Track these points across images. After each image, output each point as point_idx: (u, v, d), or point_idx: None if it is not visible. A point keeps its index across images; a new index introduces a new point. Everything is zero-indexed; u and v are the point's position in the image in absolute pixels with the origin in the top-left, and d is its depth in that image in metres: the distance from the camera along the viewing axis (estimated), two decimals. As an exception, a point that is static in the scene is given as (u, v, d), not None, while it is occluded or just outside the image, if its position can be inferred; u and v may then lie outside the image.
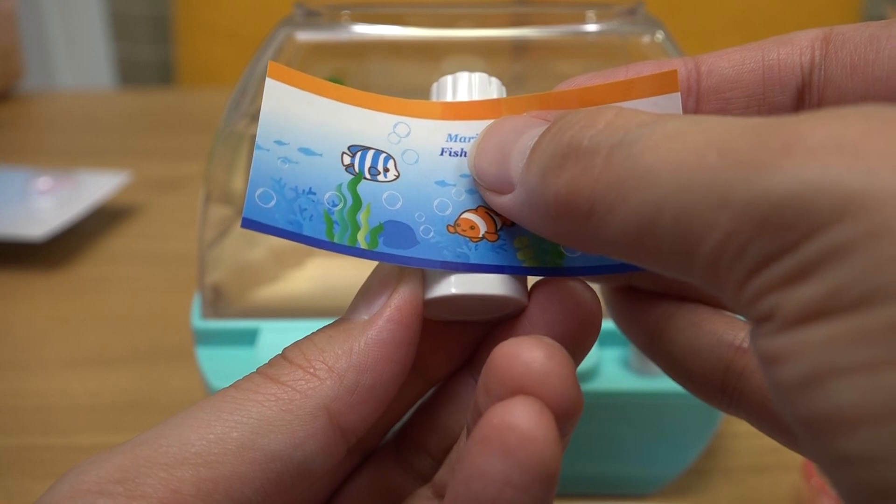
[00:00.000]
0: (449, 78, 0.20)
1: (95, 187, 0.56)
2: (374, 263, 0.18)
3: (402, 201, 0.18)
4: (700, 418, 0.32)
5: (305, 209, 0.17)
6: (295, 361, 0.17)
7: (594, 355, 0.31)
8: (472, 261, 0.17)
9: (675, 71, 0.17)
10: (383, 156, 0.18)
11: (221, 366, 0.31)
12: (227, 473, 0.15)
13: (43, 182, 0.55)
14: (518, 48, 0.38)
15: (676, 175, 0.12)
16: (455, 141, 0.19)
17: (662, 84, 0.17)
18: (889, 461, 0.10)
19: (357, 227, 0.17)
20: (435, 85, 0.20)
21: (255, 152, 0.17)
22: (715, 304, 0.19)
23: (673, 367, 0.19)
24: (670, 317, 0.19)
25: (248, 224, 0.16)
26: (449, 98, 0.20)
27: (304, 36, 0.34)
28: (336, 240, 0.17)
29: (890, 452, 0.10)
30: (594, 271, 0.18)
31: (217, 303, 0.33)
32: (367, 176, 0.18)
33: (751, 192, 0.11)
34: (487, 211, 0.18)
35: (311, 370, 0.16)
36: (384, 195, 0.18)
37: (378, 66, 0.38)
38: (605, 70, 0.19)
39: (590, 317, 0.17)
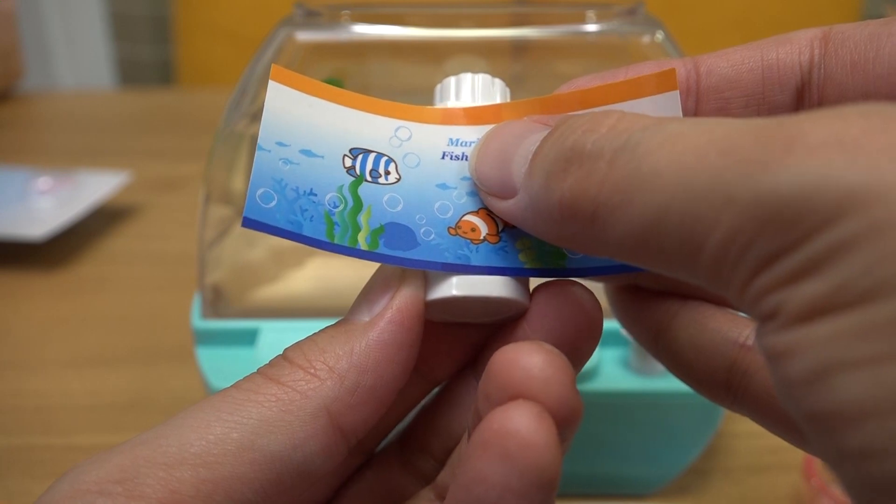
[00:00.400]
0: (452, 79, 0.20)
1: (95, 187, 0.56)
2: (374, 264, 0.18)
3: (402, 204, 0.18)
4: (700, 418, 0.32)
5: (306, 210, 0.17)
6: (296, 362, 0.17)
7: (594, 355, 0.31)
8: (474, 263, 0.17)
9: (674, 70, 0.17)
10: (384, 159, 0.18)
11: (221, 366, 0.31)
12: (226, 474, 0.15)
13: (43, 182, 0.55)
14: (518, 48, 0.38)
15: (680, 176, 0.12)
16: (456, 145, 0.19)
17: (661, 83, 0.17)
18: (895, 454, 0.10)
19: (358, 229, 0.17)
20: (438, 86, 0.20)
21: (257, 153, 0.17)
22: (719, 301, 0.19)
23: (677, 365, 0.19)
24: (674, 315, 0.19)
25: (249, 224, 0.16)
26: (452, 99, 0.20)
27: (304, 36, 0.34)
28: (337, 241, 0.17)
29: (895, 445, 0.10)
30: (596, 272, 0.18)
31: (217, 303, 0.33)
32: (369, 178, 0.18)
33: (754, 191, 0.11)
34: (489, 213, 0.18)
35: (312, 371, 0.16)
36: (385, 197, 0.18)
37: (378, 67, 0.38)
38: (604, 72, 0.19)
39: (591, 322, 0.17)
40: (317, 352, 0.17)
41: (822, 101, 0.18)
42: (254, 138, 0.17)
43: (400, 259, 0.17)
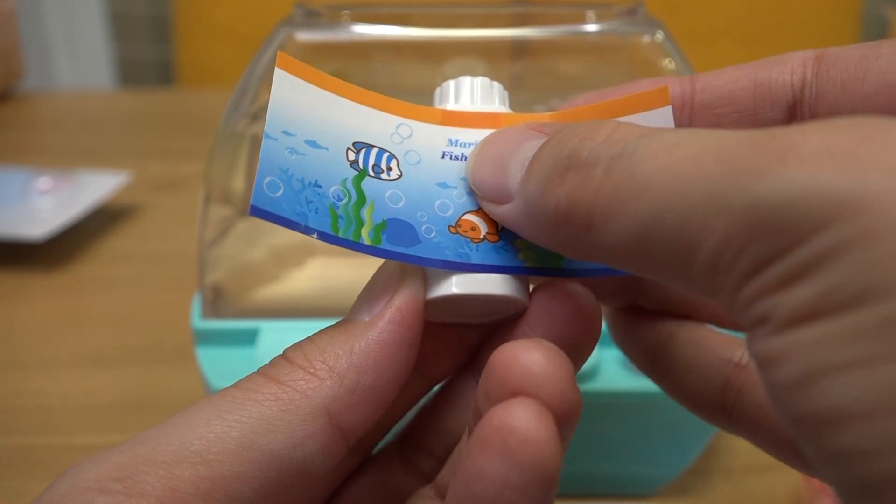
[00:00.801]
0: (451, 82, 0.20)
1: (95, 187, 0.56)
2: (374, 264, 0.18)
3: (404, 200, 0.18)
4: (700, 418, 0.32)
5: (311, 201, 0.17)
6: (295, 361, 0.17)
7: (594, 355, 0.31)
8: (474, 261, 0.17)
9: (667, 87, 0.18)
10: (386, 154, 0.18)
11: (221, 366, 0.31)
12: (226, 473, 0.15)
13: (43, 182, 0.55)
14: (518, 48, 0.38)
15: (675, 183, 0.13)
16: (456, 146, 0.19)
17: (654, 99, 0.17)
18: (883, 454, 0.10)
19: (361, 223, 0.17)
20: (438, 89, 0.20)
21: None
22: (714, 320, 0.20)
23: (674, 386, 0.20)
24: (670, 336, 0.20)
25: (256, 212, 0.16)
26: (451, 102, 0.20)
27: (304, 36, 0.34)
28: (341, 234, 0.17)
29: (884, 446, 0.10)
30: (593, 273, 0.18)
31: (217, 303, 0.33)
32: (371, 173, 0.18)
33: (746, 198, 0.12)
34: None
35: (312, 370, 0.16)
36: (387, 193, 0.18)
37: (378, 67, 0.38)
38: (602, 90, 0.20)
39: (590, 321, 0.17)
40: (316, 351, 0.17)
41: (813, 118, 0.18)
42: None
43: (402, 255, 0.17)
